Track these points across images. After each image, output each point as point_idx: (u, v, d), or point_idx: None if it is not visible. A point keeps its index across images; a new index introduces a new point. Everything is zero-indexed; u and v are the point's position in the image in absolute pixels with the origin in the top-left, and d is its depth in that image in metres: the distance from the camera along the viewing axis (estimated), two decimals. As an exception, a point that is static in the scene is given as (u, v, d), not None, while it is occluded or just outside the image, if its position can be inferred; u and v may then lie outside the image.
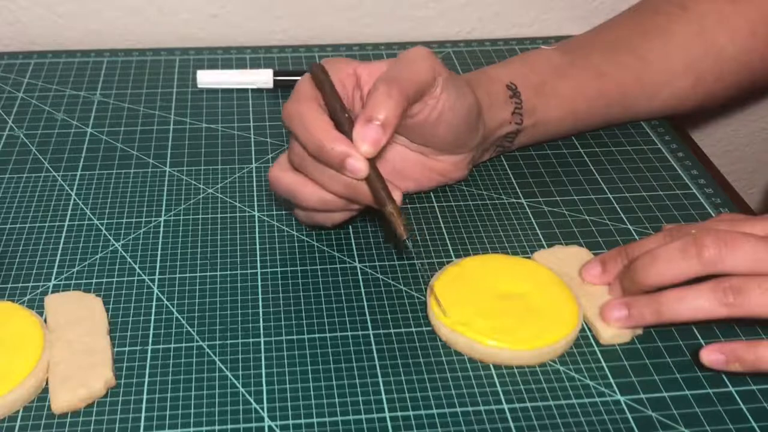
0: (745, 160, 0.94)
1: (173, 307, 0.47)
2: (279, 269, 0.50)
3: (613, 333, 0.45)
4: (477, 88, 0.53)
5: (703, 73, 0.62)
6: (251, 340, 0.45)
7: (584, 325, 0.47)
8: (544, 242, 0.53)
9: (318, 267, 0.50)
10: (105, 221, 0.54)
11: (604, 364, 0.44)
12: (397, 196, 0.46)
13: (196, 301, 0.48)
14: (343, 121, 0.46)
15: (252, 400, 0.42)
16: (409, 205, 0.55)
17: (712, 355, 0.43)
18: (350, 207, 0.48)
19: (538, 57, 0.60)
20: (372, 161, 0.45)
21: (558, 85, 0.59)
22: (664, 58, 0.61)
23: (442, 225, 0.54)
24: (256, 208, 0.55)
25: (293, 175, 0.48)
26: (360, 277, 0.50)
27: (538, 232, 0.54)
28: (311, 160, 0.46)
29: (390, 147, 0.51)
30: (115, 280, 0.49)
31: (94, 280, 0.49)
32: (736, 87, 0.64)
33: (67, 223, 0.53)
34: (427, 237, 0.53)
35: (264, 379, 0.43)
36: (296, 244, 0.52)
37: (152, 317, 0.46)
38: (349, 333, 0.46)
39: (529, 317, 0.45)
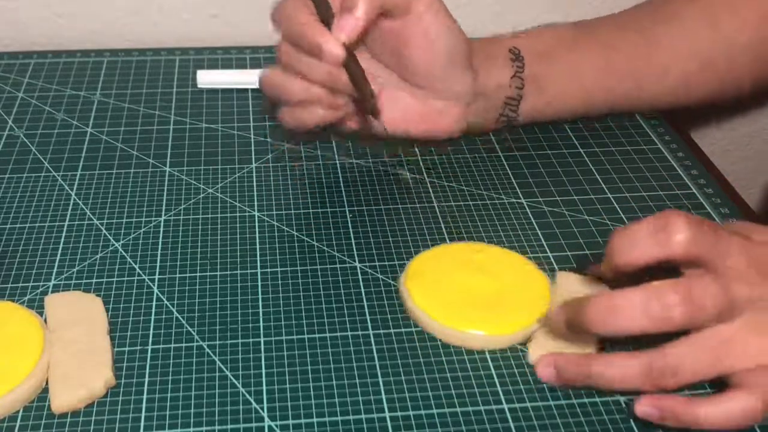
0: (746, 160, 0.94)
1: (173, 307, 0.47)
2: (279, 269, 0.50)
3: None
4: (475, 44, 0.56)
5: (712, 59, 0.61)
6: (251, 340, 0.45)
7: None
8: (543, 242, 0.53)
9: (318, 267, 0.50)
10: (105, 221, 0.54)
11: (604, 364, 0.44)
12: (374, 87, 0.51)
13: (196, 301, 0.48)
14: (331, 23, 0.51)
15: (252, 400, 0.42)
16: (408, 205, 0.55)
17: (646, 408, 0.40)
18: (333, 102, 0.53)
19: (545, 29, 0.61)
20: (351, 53, 0.50)
21: (564, 54, 0.59)
22: (671, 40, 0.61)
23: (442, 225, 0.54)
24: (256, 208, 0.55)
25: (281, 73, 0.53)
26: (360, 277, 0.50)
27: (538, 232, 0.54)
28: (295, 53, 0.52)
29: (380, 87, 0.55)
30: (115, 280, 0.49)
31: (94, 280, 0.49)
32: (750, 78, 0.63)
33: (67, 223, 0.53)
34: (427, 237, 0.53)
35: (264, 379, 0.43)
36: (296, 244, 0.52)
37: (152, 317, 0.46)
38: (349, 333, 0.46)
39: (502, 302, 0.46)
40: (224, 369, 0.44)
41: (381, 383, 0.43)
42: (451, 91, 0.56)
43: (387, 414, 0.41)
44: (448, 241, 0.52)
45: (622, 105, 0.63)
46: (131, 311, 0.47)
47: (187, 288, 0.48)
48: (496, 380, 0.43)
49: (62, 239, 0.52)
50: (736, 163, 0.94)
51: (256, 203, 0.55)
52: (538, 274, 0.49)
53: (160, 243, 0.52)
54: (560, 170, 0.60)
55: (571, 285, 0.48)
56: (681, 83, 0.62)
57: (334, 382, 0.43)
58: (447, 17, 0.54)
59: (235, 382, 0.43)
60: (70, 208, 0.55)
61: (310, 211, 0.55)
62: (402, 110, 0.56)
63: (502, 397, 0.42)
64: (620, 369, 0.41)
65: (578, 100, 0.61)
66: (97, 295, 0.47)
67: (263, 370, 0.43)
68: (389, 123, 0.55)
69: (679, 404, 0.40)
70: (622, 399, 0.43)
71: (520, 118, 0.60)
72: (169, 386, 0.42)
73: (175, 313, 0.47)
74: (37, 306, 0.47)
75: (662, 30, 0.61)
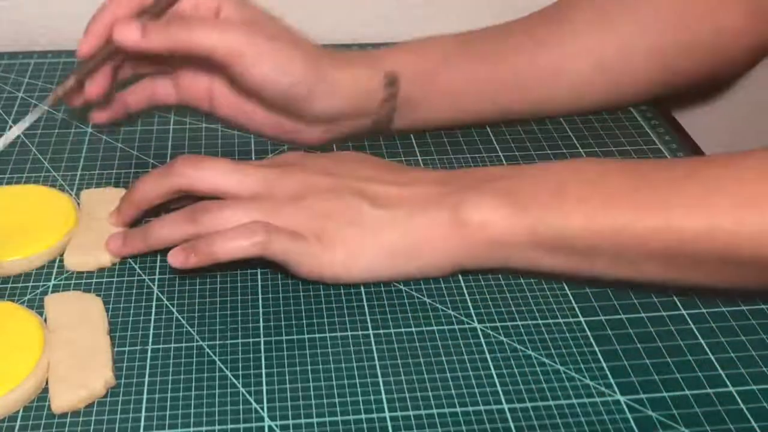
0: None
1: (173, 307, 0.47)
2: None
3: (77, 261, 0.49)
4: (345, 62, 0.56)
5: (604, 59, 0.60)
6: (251, 340, 0.45)
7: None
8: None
9: (318, 267, 0.50)
10: (105, 221, 0.53)
11: (604, 364, 0.44)
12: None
13: (196, 301, 0.48)
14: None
15: (252, 400, 0.42)
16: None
17: (176, 255, 0.45)
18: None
19: (432, 43, 0.60)
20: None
21: (443, 71, 0.58)
22: (559, 40, 0.60)
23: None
24: (256, 208, 0.55)
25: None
26: (360, 277, 0.50)
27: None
28: None
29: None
30: (115, 280, 0.49)
31: (94, 280, 0.49)
32: (646, 84, 0.62)
33: (67, 223, 0.53)
34: (427, 237, 0.53)
35: (264, 379, 0.43)
36: (296, 244, 0.52)
37: (152, 317, 0.47)
38: (349, 333, 0.46)
39: (29, 228, 0.50)
40: (224, 369, 0.44)
41: (381, 383, 0.43)
42: (303, 120, 0.56)
43: (387, 414, 0.41)
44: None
45: (513, 113, 0.62)
46: (131, 311, 0.47)
47: (187, 288, 0.48)
48: (496, 380, 0.43)
49: (62, 239, 0.52)
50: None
51: (256, 203, 0.55)
52: (62, 196, 0.53)
53: (160, 243, 0.52)
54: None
55: (98, 201, 0.53)
56: (574, 85, 0.61)
57: (334, 382, 0.43)
58: (273, 58, 0.53)
59: (235, 382, 0.43)
60: (70, 208, 0.54)
61: (310, 211, 0.55)
62: (261, 117, 0.57)
63: (502, 397, 0.43)
64: (169, 221, 0.47)
65: (453, 116, 0.61)
66: (97, 295, 0.47)
67: (263, 370, 0.43)
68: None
69: (198, 242, 0.45)
70: (622, 399, 0.43)
71: (391, 130, 0.60)
72: (169, 386, 0.43)
73: (175, 313, 0.47)
74: (37, 306, 0.47)
75: (550, 30, 0.60)
